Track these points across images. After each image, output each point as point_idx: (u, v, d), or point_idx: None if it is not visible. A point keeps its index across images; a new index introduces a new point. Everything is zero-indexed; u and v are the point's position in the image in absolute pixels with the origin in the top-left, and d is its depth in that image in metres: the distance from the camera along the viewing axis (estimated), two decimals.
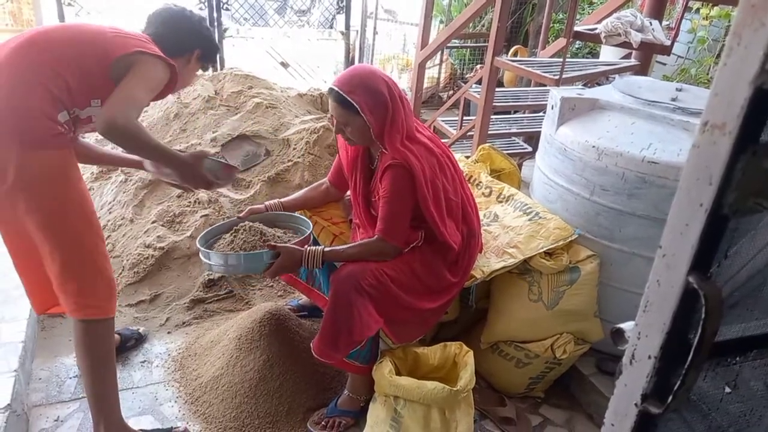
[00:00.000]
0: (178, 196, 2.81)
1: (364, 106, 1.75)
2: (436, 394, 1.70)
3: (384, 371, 1.80)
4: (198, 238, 1.95)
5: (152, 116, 3.46)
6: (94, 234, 1.67)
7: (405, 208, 1.82)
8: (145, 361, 2.23)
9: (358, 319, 1.76)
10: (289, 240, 1.91)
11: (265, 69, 3.94)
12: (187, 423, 1.96)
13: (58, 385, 2.07)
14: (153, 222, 2.69)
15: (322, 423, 1.97)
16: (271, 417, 1.97)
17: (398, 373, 1.84)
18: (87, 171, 3.24)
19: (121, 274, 2.57)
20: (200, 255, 1.89)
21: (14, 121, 1.52)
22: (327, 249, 1.84)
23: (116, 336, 2.15)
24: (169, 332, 2.38)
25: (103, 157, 2.10)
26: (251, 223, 1.97)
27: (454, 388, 1.71)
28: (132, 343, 2.28)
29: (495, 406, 2.13)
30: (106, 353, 1.72)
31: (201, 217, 2.68)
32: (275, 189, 2.89)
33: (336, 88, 1.76)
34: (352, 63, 5.33)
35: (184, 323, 2.42)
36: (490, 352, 2.20)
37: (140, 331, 2.33)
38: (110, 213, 2.88)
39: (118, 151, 2.08)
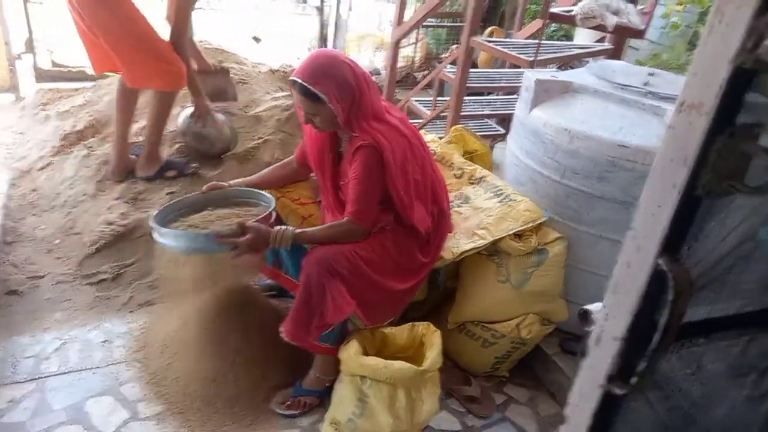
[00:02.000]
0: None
1: (332, 96, 1.70)
2: (403, 374, 1.70)
3: (351, 351, 1.79)
4: (152, 216, 1.87)
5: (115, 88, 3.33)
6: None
7: (375, 190, 1.80)
8: (106, 340, 2.17)
9: (331, 302, 1.73)
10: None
11: (235, 43, 3.82)
12: (148, 404, 1.92)
13: (13, 365, 2.00)
14: (116, 198, 2.60)
15: (287, 403, 1.96)
16: (236, 397, 1.95)
17: (365, 353, 1.83)
18: (47, 145, 3.12)
19: (81, 250, 2.48)
20: (154, 234, 1.81)
21: None
22: (298, 231, 1.80)
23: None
24: (131, 311, 2.32)
25: None
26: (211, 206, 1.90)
27: (421, 368, 1.71)
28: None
29: (460, 385, 2.15)
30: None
31: (166, 194, 2.60)
32: (245, 166, 2.82)
33: (300, 80, 1.71)
34: (326, 40, 5.23)
35: (147, 302, 2.36)
36: (457, 332, 2.21)
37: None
38: (71, 188, 2.78)
39: None
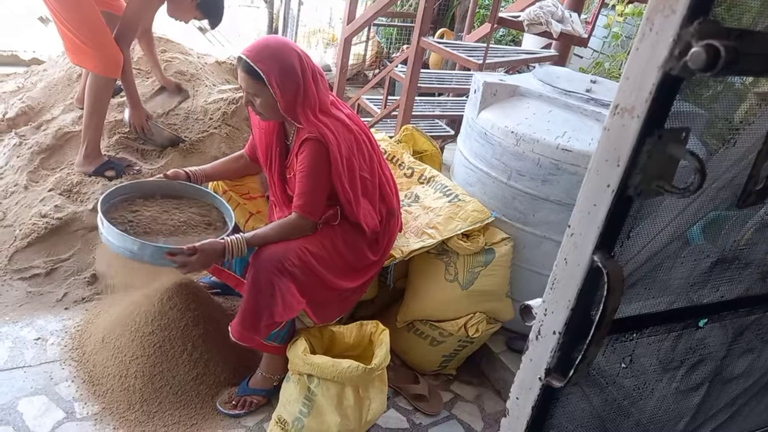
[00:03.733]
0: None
1: (272, 79, 1.68)
2: (351, 373, 1.70)
3: (298, 350, 1.77)
4: (101, 197, 1.78)
5: (52, 75, 3.18)
6: None
7: (321, 183, 1.78)
8: (39, 338, 2.06)
9: (280, 301, 1.71)
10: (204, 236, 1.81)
11: (180, 33, 3.70)
12: (85, 404, 1.84)
13: None
14: (50, 190, 2.48)
15: (233, 402, 1.92)
16: (178, 396, 1.89)
17: (313, 352, 1.82)
18: None
19: (12, 244, 2.35)
20: (98, 223, 1.73)
21: None
22: (248, 236, 1.76)
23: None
24: (66, 308, 2.21)
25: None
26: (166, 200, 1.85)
27: (369, 367, 1.71)
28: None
29: (408, 384, 2.17)
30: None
31: (101, 185, 2.50)
32: (189, 160, 2.74)
33: (245, 57, 1.68)
34: (276, 34, 5.16)
35: (83, 299, 2.26)
36: (406, 331, 2.23)
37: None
38: (1, 179, 2.62)
39: None
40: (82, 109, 2.75)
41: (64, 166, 2.64)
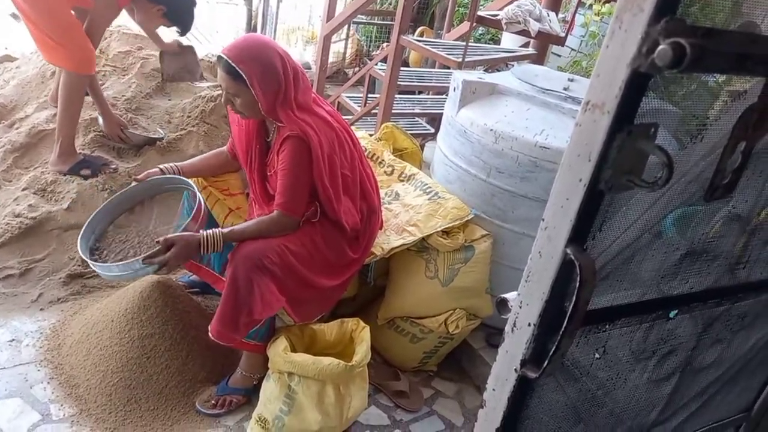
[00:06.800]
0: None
1: (254, 79, 1.67)
2: (331, 370, 1.70)
3: (279, 348, 1.77)
4: (80, 239, 1.84)
5: (25, 73, 3.12)
6: None
7: (303, 181, 1.78)
8: (13, 340, 2.02)
9: (259, 298, 1.70)
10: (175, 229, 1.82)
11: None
12: (61, 406, 1.82)
13: None
14: (23, 189, 2.43)
15: (212, 402, 1.91)
16: (157, 397, 1.88)
17: (294, 350, 1.82)
18: None
19: None
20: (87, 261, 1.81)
21: None
22: (226, 230, 1.75)
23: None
24: (41, 309, 2.18)
25: None
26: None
27: (350, 364, 1.72)
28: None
29: (389, 380, 2.18)
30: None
31: (77, 184, 2.46)
32: (167, 158, 2.71)
33: (225, 57, 1.66)
34: (254, 31, 5.12)
35: (59, 299, 2.22)
36: (386, 328, 2.24)
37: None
38: None
39: None
40: (56, 107, 2.72)
41: (38, 165, 2.59)
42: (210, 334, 1.76)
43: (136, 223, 1.98)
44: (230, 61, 1.66)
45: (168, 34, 2.91)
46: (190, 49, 3.05)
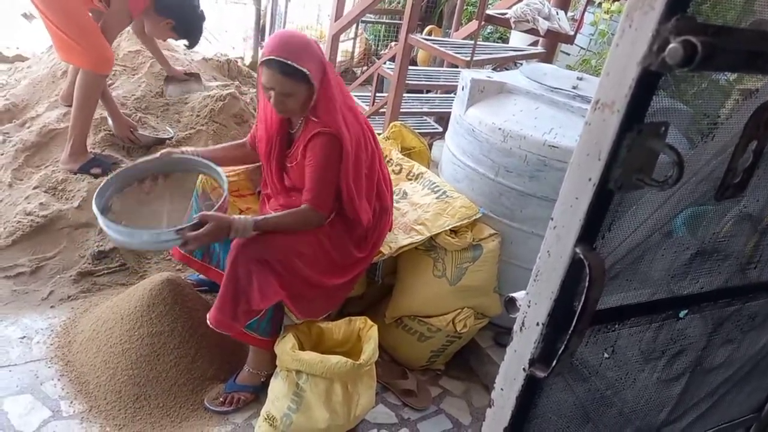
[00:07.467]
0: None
1: (315, 73, 1.68)
2: (339, 368, 1.70)
3: (287, 346, 1.77)
4: (98, 190, 1.77)
5: (37, 72, 3.15)
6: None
7: (333, 177, 1.79)
8: (24, 337, 2.05)
9: (257, 288, 1.70)
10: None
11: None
12: (71, 402, 1.83)
13: None
14: (35, 188, 2.45)
15: (220, 399, 1.92)
16: (166, 394, 1.89)
17: (301, 348, 1.83)
18: None
19: None
20: (99, 221, 1.70)
21: None
22: (259, 218, 1.73)
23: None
24: (52, 306, 2.20)
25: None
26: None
27: (357, 362, 1.72)
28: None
29: (397, 379, 2.18)
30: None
31: (87, 183, 2.48)
32: None
33: (280, 59, 1.64)
34: (263, 31, 5.14)
35: (69, 297, 2.24)
36: (394, 327, 2.24)
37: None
38: None
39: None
40: (67, 106, 2.74)
41: (49, 164, 2.61)
42: (209, 322, 1.76)
43: (147, 205, 1.95)
44: (287, 61, 1.64)
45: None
46: (195, 77, 3.09)
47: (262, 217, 1.76)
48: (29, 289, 2.24)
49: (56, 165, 2.58)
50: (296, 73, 1.66)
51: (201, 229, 1.63)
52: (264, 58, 1.68)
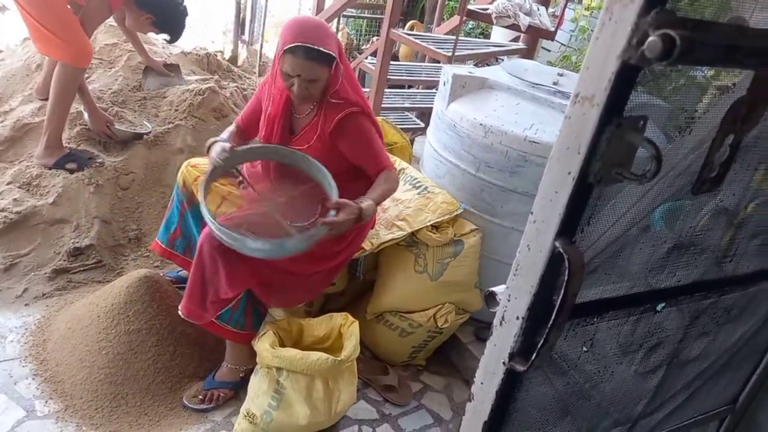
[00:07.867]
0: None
1: (340, 56, 1.71)
2: (320, 365, 1.69)
3: (266, 343, 1.76)
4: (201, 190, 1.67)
5: (10, 65, 3.07)
6: None
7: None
8: None
9: (224, 275, 1.69)
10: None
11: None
12: (46, 402, 1.80)
13: None
14: (8, 183, 2.39)
15: (199, 396, 1.90)
16: (144, 392, 1.86)
17: (282, 345, 1.81)
18: None
19: None
20: (222, 235, 1.59)
21: None
22: (375, 197, 1.76)
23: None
24: (26, 304, 2.15)
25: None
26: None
27: (338, 358, 1.71)
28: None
29: (378, 375, 2.17)
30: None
31: (62, 178, 2.43)
32: (154, 152, 2.69)
33: (306, 44, 1.63)
34: (243, 24, 5.08)
35: (44, 295, 2.19)
36: (375, 323, 2.24)
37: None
38: None
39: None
40: (42, 100, 2.68)
41: (23, 159, 2.55)
42: (180, 312, 1.77)
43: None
44: (314, 46, 1.63)
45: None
46: (175, 69, 3.06)
47: (375, 194, 1.78)
48: (2, 286, 2.19)
49: (31, 160, 2.52)
50: (321, 57, 1.66)
51: (339, 215, 1.64)
52: (289, 46, 1.64)
